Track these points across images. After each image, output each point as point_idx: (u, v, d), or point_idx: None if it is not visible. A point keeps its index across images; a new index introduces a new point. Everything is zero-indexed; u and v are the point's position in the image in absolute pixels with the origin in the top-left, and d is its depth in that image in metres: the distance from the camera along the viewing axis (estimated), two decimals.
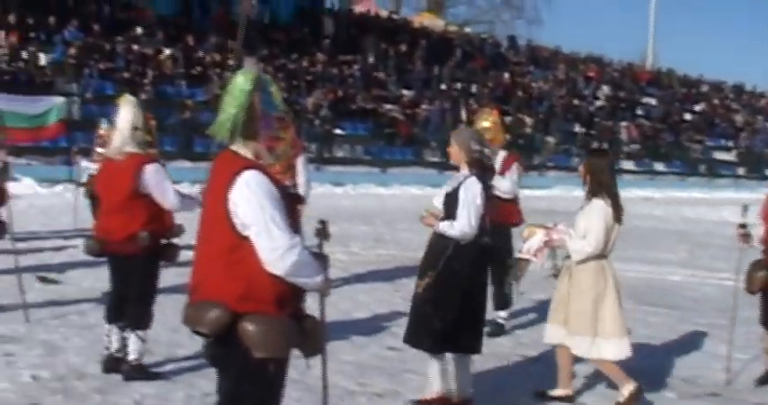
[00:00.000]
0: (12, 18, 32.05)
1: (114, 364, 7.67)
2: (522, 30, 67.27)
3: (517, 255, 7.71)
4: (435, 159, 37.11)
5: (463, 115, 39.94)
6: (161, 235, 7.65)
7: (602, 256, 7.36)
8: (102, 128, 14.27)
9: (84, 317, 9.80)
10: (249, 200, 4.25)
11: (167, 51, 34.80)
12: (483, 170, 7.14)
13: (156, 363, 8.11)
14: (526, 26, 73.04)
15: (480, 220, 6.96)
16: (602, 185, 7.46)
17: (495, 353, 9.08)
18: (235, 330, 4.26)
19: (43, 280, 11.83)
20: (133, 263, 7.51)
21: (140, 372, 7.60)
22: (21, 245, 14.17)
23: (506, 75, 49.01)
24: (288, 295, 4.38)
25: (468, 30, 60.93)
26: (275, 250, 4.24)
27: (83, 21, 33.95)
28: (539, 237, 7.52)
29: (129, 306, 7.60)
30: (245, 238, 4.28)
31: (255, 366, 4.33)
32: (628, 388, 7.38)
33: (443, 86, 44.03)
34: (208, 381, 7.54)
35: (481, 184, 7.03)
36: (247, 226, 4.26)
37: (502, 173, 9.64)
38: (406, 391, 7.69)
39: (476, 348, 7.15)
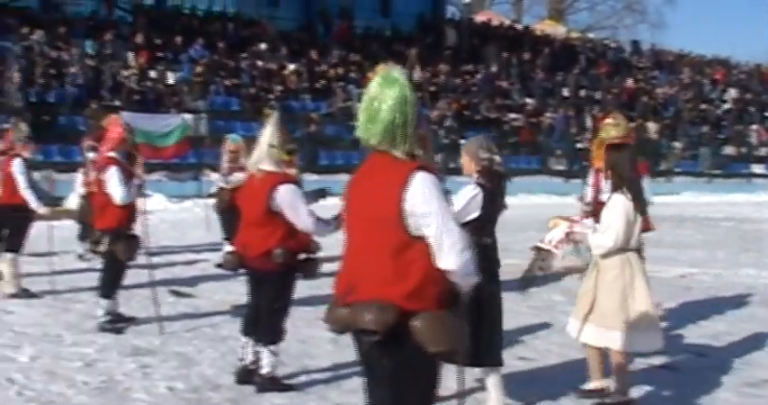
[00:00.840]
0: (140, 38, 32.79)
1: (248, 375, 7.74)
2: (646, 34, 66.43)
3: (538, 244, 7.55)
4: (561, 168, 36.81)
5: (588, 122, 39.54)
6: (297, 252, 7.66)
7: (627, 249, 7.26)
8: (231, 143, 14.48)
9: (217, 329, 9.93)
10: (428, 200, 4.30)
11: (291, 66, 35.20)
12: (490, 176, 7.06)
13: (288, 374, 8.15)
14: (649, 30, 72.16)
15: (481, 222, 6.93)
16: (623, 179, 7.34)
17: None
18: (402, 329, 4.27)
19: (176, 293, 12.04)
20: (269, 278, 7.57)
21: (273, 384, 7.65)
22: (153, 259, 14.52)
23: (631, 80, 48.37)
24: (448, 294, 4.40)
25: (590, 36, 60.33)
26: (454, 246, 4.31)
27: (208, 39, 34.58)
28: (561, 228, 7.44)
29: (261, 319, 7.66)
30: (417, 238, 4.33)
31: (425, 363, 4.37)
32: (622, 397, 7.41)
33: (567, 94, 43.65)
34: (339, 392, 7.63)
35: (481, 190, 6.97)
36: (424, 225, 4.30)
37: None
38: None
39: (494, 361, 7.03)
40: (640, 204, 7.32)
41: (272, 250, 7.40)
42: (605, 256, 7.29)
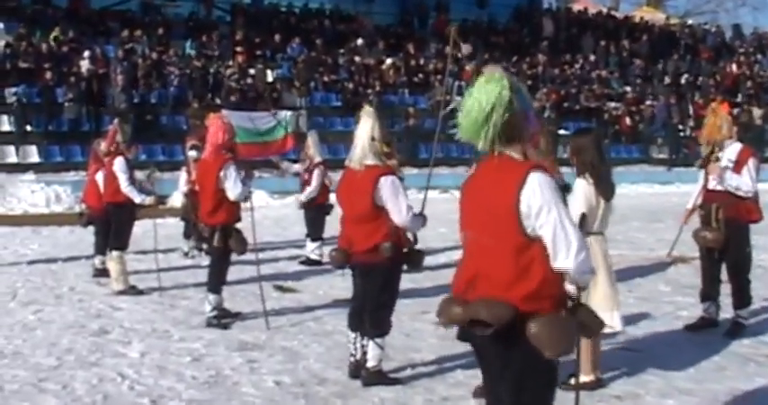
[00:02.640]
0: (238, 37, 33.13)
1: (359, 370, 7.78)
2: (747, 17, 64.91)
3: None
4: (663, 156, 36.27)
5: (690, 110, 38.93)
6: (402, 245, 7.68)
7: (589, 233, 7.06)
8: (309, 139, 14.64)
9: (321, 324, 9.99)
10: (546, 201, 4.32)
11: (389, 61, 35.23)
12: None
13: (394, 368, 8.17)
14: (751, 13, 70.54)
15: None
16: (585, 164, 7.44)
17: (735, 353, 8.82)
18: (518, 330, 4.29)
19: (280, 289, 12.14)
20: (375, 272, 7.59)
21: (379, 377, 7.67)
22: (258, 255, 14.68)
23: (733, 65, 47.43)
24: (564, 295, 4.44)
25: (690, 21, 59.28)
26: (571, 247, 4.32)
27: (305, 36, 34.78)
28: None
29: (367, 313, 7.68)
30: (535, 239, 4.35)
31: (542, 366, 4.39)
32: (589, 376, 7.46)
33: (668, 81, 42.97)
34: (446, 385, 7.63)
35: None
36: (540, 225, 4.32)
37: (738, 169, 9.30)
38: (647, 393, 7.50)
39: None
40: (603, 189, 7.39)
41: (379, 244, 7.42)
42: None
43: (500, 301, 4.30)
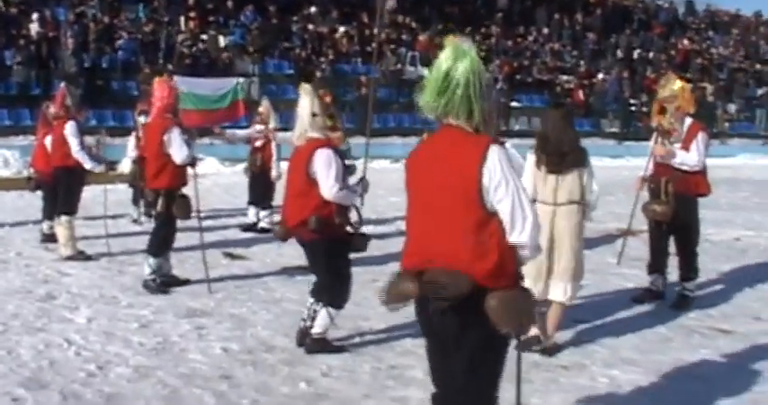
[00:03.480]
0: (191, 3, 32.84)
1: (304, 337, 7.78)
2: None
3: None
4: (614, 130, 36.49)
5: (642, 84, 39.20)
6: (333, 220, 7.53)
7: (539, 201, 7.59)
8: (263, 105, 14.58)
9: (270, 291, 9.98)
10: (505, 175, 4.30)
11: (342, 29, 35.11)
12: None
13: (342, 336, 8.19)
14: None
15: None
16: (539, 136, 7.90)
17: (681, 325, 8.92)
18: (475, 305, 4.26)
19: (229, 256, 12.11)
20: (314, 249, 7.60)
21: (322, 345, 7.67)
22: (207, 222, 14.59)
23: (685, 41, 47.76)
24: (519, 271, 4.44)
25: None
26: (527, 222, 4.33)
27: (259, 3, 34.54)
28: None
29: (323, 285, 7.69)
30: (494, 214, 4.32)
31: (497, 342, 4.41)
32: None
33: (620, 55, 43.21)
34: (394, 354, 7.66)
35: None
36: (498, 200, 4.30)
37: (686, 145, 9.39)
38: (593, 363, 7.57)
39: None
40: (545, 159, 7.68)
41: (306, 219, 7.39)
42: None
43: (461, 273, 4.26)
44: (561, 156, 7.66)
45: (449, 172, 4.37)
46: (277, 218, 10.39)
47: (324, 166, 7.36)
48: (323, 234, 7.43)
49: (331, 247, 7.55)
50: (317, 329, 7.66)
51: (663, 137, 9.53)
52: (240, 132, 15.27)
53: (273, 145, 13.98)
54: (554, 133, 7.75)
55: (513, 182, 4.31)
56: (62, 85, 12.68)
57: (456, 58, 4.38)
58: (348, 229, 7.72)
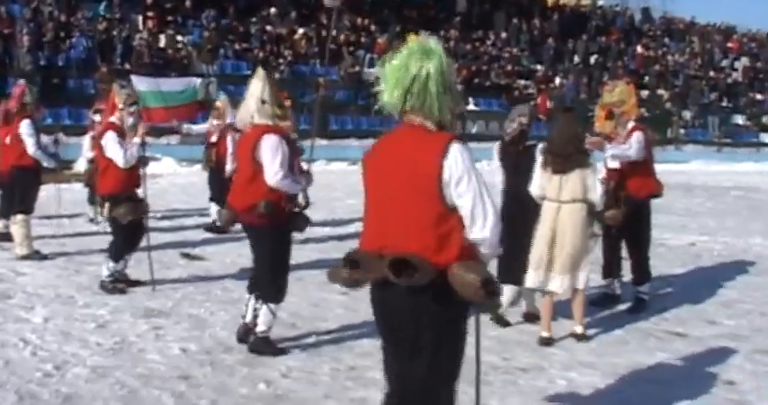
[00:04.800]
0: (149, 2, 32.66)
1: (246, 334, 7.75)
2: (656, 1, 65.62)
3: None
4: None
5: (599, 89, 39.47)
6: (283, 205, 7.52)
7: (547, 198, 8.29)
8: (220, 99, 14.58)
9: (228, 292, 9.93)
10: (466, 170, 4.29)
11: (301, 31, 35.06)
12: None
13: (299, 336, 8.19)
14: None
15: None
16: (547, 138, 8.50)
17: (637, 328, 9.01)
18: (433, 294, 4.27)
19: (187, 256, 12.05)
20: (259, 235, 7.55)
21: (265, 345, 7.62)
22: (164, 223, 14.53)
23: (641, 48, 48.14)
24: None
25: (601, 2, 59.89)
26: (488, 218, 4.32)
27: (218, 3, 34.42)
28: None
29: (261, 278, 7.64)
30: (453, 210, 4.32)
31: (458, 323, 4.43)
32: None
33: (577, 61, 43.48)
34: (352, 355, 7.65)
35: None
36: (459, 195, 4.30)
37: (625, 141, 9.54)
38: (551, 366, 7.60)
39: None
40: (551, 160, 8.22)
41: (256, 203, 7.34)
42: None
43: (421, 258, 4.25)
44: (565, 157, 8.16)
45: (409, 167, 4.35)
46: None
47: (270, 152, 7.30)
48: (272, 219, 7.39)
49: (277, 234, 7.52)
50: (261, 328, 7.60)
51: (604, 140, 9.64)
52: (196, 127, 15.24)
53: (229, 140, 13.87)
54: (559, 135, 8.30)
55: (474, 178, 4.30)
56: (21, 81, 12.57)
57: (423, 54, 4.37)
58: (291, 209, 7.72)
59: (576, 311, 8.45)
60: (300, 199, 7.86)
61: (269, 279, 7.57)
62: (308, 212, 8.16)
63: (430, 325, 4.35)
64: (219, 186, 14.23)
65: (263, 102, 7.43)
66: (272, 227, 7.45)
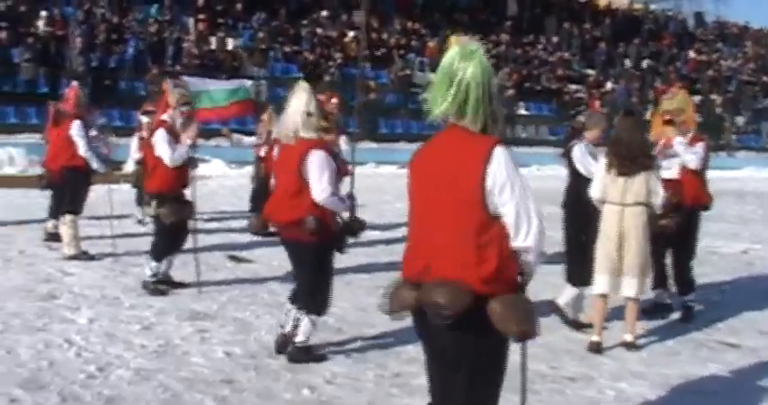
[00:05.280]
0: (200, 4, 32.78)
1: (285, 344, 7.64)
2: (710, 5, 65.00)
3: None
4: None
5: (650, 94, 39.12)
6: (328, 222, 7.38)
7: (608, 201, 8.30)
8: (267, 112, 14.60)
9: (274, 295, 9.86)
10: (510, 177, 4.17)
11: (351, 34, 35.05)
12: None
13: (345, 341, 8.12)
14: (713, 2, 70.66)
15: None
16: (610, 140, 8.39)
17: (689, 338, 8.84)
18: (475, 315, 4.11)
19: (234, 259, 12.03)
20: (302, 251, 7.40)
21: (305, 354, 7.52)
22: (212, 225, 14.53)
23: (693, 53, 47.68)
24: (517, 280, 4.30)
25: (653, 7, 59.42)
26: (532, 225, 4.20)
27: (269, 5, 34.49)
28: None
29: (303, 291, 7.53)
30: (496, 218, 4.19)
31: (498, 347, 4.27)
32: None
33: (629, 65, 43.13)
34: (398, 361, 7.56)
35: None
36: (503, 203, 4.17)
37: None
38: (600, 375, 7.46)
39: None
40: (616, 163, 8.21)
41: (302, 218, 7.19)
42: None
43: (457, 284, 4.12)
44: (632, 159, 8.17)
45: (451, 172, 4.23)
46: None
47: (317, 168, 7.18)
48: (317, 235, 7.25)
49: (320, 249, 7.39)
50: (300, 338, 7.51)
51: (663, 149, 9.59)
52: (246, 139, 15.24)
53: (276, 152, 13.90)
54: (626, 138, 8.26)
55: (519, 184, 4.18)
56: (74, 83, 12.62)
57: (464, 58, 4.27)
58: (342, 217, 7.65)
59: (629, 319, 8.39)
60: (348, 202, 7.70)
61: (311, 293, 7.46)
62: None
63: (471, 348, 4.23)
64: (261, 198, 14.26)
65: (309, 114, 7.28)
66: (315, 242, 7.31)
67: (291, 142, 7.34)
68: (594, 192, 8.35)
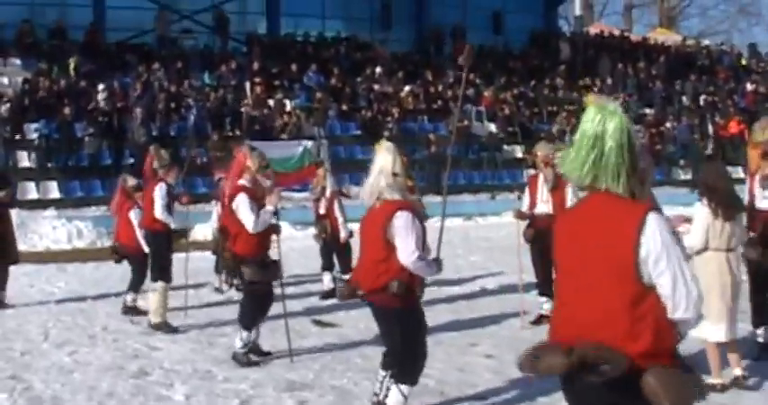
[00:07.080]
0: (255, 68, 32.98)
1: None
2: (762, 36, 64.62)
3: None
4: (687, 177, 35.99)
5: (710, 129, 38.74)
6: (414, 286, 7.16)
7: (713, 249, 8.17)
8: (321, 168, 14.62)
9: (369, 360, 9.57)
10: (665, 246, 3.98)
11: (407, 88, 35.04)
12: None
13: (448, 401, 7.88)
14: (766, 32, 70.27)
15: None
16: (706, 188, 8.29)
17: None
18: (629, 383, 3.92)
19: (319, 323, 11.82)
20: (388, 316, 7.19)
21: None
22: (289, 289, 14.36)
23: (750, 85, 47.18)
24: (676, 346, 4.10)
25: (706, 42, 59.06)
26: (691, 296, 4.01)
27: (322, 65, 34.61)
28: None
29: (393, 357, 7.29)
30: (651, 288, 4.00)
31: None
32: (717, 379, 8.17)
33: (686, 102, 42.74)
34: None
35: None
36: (658, 273, 3.98)
37: None
38: None
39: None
40: (722, 208, 8.13)
41: (387, 283, 6.96)
42: (697, 254, 8.17)
43: (618, 354, 3.92)
44: (734, 203, 8.27)
45: (601, 242, 4.05)
46: None
47: (405, 229, 6.94)
48: (403, 299, 7.02)
49: (407, 315, 7.15)
50: None
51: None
52: (354, 189, 15.41)
53: (336, 207, 13.89)
54: (722, 183, 8.31)
55: (675, 253, 3.98)
56: (150, 148, 12.67)
57: (604, 119, 4.10)
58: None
59: (733, 358, 8.34)
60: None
61: (401, 362, 7.21)
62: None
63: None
64: (338, 255, 14.14)
65: (395, 174, 7.08)
66: (402, 307, 7.09)
67: (376, 205, 7.16)
68: (698, 241, 8.18)
